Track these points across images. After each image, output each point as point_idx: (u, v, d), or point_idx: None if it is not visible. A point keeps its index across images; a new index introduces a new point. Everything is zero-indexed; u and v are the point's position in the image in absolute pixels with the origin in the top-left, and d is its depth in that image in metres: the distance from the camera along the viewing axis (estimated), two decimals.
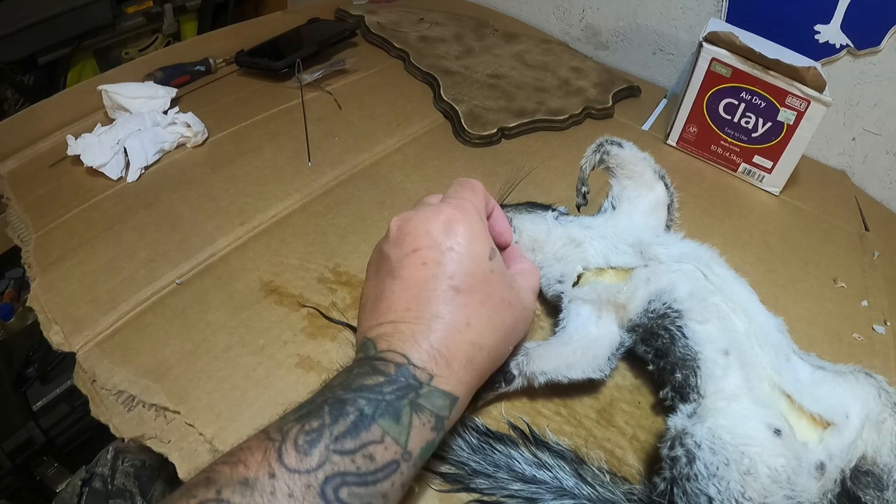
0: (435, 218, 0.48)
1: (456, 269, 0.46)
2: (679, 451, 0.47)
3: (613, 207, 0.66)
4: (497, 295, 0.47)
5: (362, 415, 0.39)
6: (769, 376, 0.52)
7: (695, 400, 0.51)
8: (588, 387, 0.58)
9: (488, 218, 0.55)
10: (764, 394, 0.51)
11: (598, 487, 0.49)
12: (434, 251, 0.46)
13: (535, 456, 0.52)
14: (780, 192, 0.93)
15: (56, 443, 1.27)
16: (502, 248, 0.55)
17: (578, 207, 0.69)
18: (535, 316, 0.64)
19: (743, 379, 0.51)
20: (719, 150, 0.95)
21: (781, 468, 0.45)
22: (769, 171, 0.91)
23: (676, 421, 0.50)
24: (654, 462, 0.53)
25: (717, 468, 0.45)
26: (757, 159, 0.91)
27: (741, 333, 0.54)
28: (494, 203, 0.57)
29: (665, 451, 0.48)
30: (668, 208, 0.66)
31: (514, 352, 0.54)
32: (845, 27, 0.94)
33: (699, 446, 0.46)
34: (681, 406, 0.52)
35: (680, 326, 0.54)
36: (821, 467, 0.47)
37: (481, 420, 0.54)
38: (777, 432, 0.47)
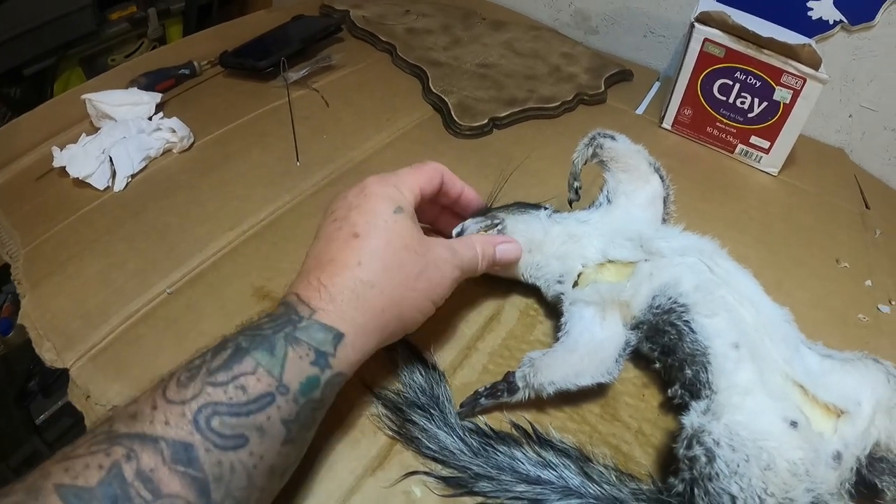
0: (354, 186, 0.52)
1: (357, 220, 0.49)
2: (698, 451, 0.46)
3: (609, 201, 0.65)
4: (398, 241, 0.49)
5: (238, 349, 0.41)
6: (781, 368, 0.51)
7: (707, 396, 0.50)
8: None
9: (453, 199, 0.61)
10: (777, 386, 0.50)
11: (604, 486, 0.48)
12: (344, 210, 0.50)
13: (538, 455, 0.50)
14: (779, 173, 0.92)
15: None
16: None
17: (570, 203, 0.68)
18: (515, 305, 0.65)
19: (755, 372, 0.50)
20: (715, 131, 0.93)
21: (800, 461, 0.45)
22: (766, 151, 0.90)
23: (692, 419, 0.49)
24: (664, 458, 0.53)
25: (738, 465, 0.44)
26: (754, 140, 0.90)
27: (750, 325, 0.52)
28: (460, 185, 0.60)
29: (682, 451, 0.47)
30: (665, 201, 0.65)
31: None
32: (838, 3, 0.93)
33: (718, 444, 0.45)
34: (693, 403, 0.51)
35: (687, 321, 0.53)
36: (838, 457, 0.47)
37: (484, 419, 0.53)
38: (793, 424, 0.46)
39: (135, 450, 0.35)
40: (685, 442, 0.48)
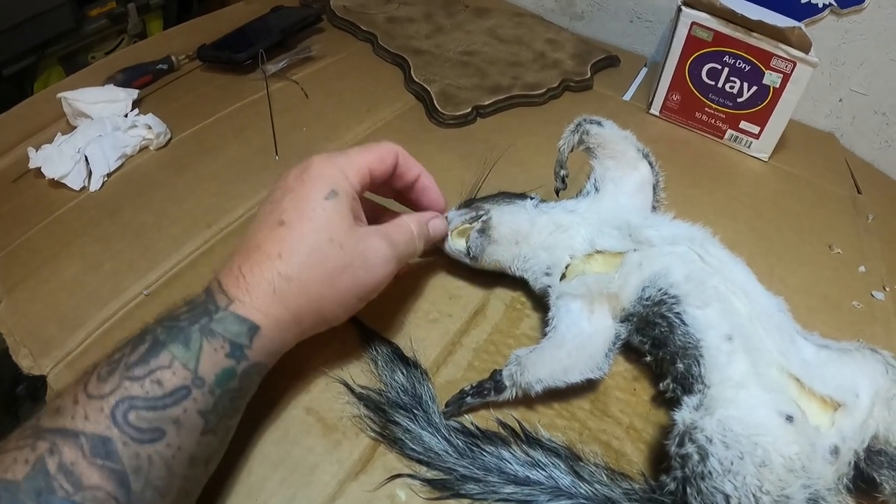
0: (298, 165, 0.50)
1: (287, 205, 0.47)
2: (690, 448, 0.45)
3: (597, 189, 0.63)
4: (323, 234, 0.47)
5: (155, 342, 0.41)
6: (776, 360, 0.49)
7: (699, 390, 0.49)
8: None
9: (409, 183, 0.57)
10: (772, 379, 0.48)
11: (596, 485, 0.47)
12: (280, 192, 0.49)
13: (527, 455, 0.49)
14: (769, 158, 0.90)
15: None
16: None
17: (557, 192, 0.66)
18: (500, 298, 0.64)
19: (749, 364, 0.49)
20: (704, 117, 0.92)
21: (796, 456, 0.43)
22: (756, 136, 0.89)
23: (683, 415, 0.47)
24: (655, 455, 0.51)
25: (732, 463, 0.43)
26: (743, 125, 0.89)
27: (744, 316, 0.51)
28: (420, 169, 0.57)
29: (674, 449, 0.46)
30: (654, 188, 0.64)
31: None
32: None
33: (711, 441, 0.44)
34: (685, 398, 0.49)
35: (678, 313, 0.52)
36: (835, 451, 0.46)
37: (470, 418, 0.52)
38: (789, 419, 0.45)
39: (57, 444, 0.36)
40: (677, 439, 0.46)
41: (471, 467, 0.47)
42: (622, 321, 0.55)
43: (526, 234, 0.60)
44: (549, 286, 0.58)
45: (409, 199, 0.60)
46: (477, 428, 0.51)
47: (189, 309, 0.44)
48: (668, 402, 0.53)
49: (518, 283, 0.63)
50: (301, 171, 0.49)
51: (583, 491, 0.47)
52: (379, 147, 0.54)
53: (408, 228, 0.54)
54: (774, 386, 0.48)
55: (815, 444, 0.45)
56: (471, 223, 0.60)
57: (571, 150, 0.64)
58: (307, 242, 0.46)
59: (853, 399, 0.47)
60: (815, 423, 0.47)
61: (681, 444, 0.46)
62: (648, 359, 0.56)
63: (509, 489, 0.47)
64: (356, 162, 0.51)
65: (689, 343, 0.51)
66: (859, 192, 0.88)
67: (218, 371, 0.42)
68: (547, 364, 0.52)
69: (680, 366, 0.51)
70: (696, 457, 0.44)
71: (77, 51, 1.46)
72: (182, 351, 0.41)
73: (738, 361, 0.49)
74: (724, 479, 0.43)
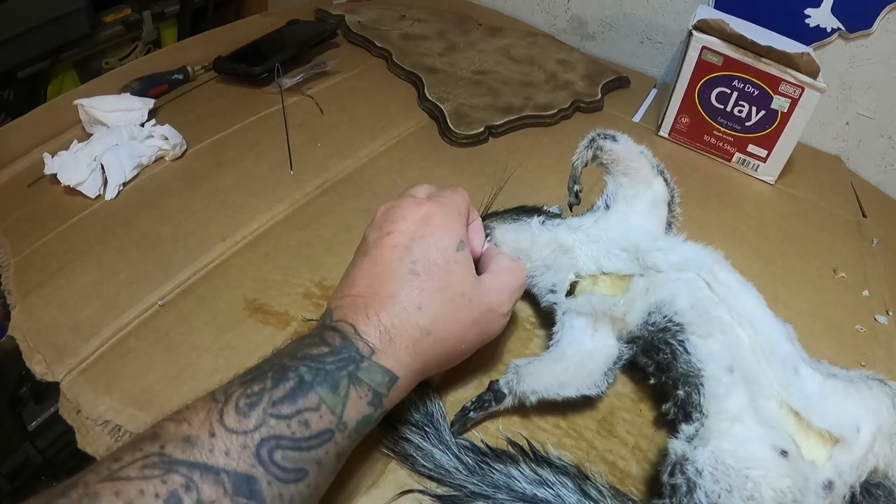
0: (416, 209, 0.50)
1: (420, 255, 0.48)
2: (679, 479, 0.45)
3: (607, 206, 0.63)
4: (456, 287, 0.48)
5: (302, 382, 0.40)
6: (776, 393, 0.49)
7: (697, 419, 0.49)
8: (588, 397, 0.55)
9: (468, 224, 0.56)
10: (770, 413, 0.48)
11: None
12: (405, 236, 0.49)
13: (535, 473, 0.50)
14: (776, 181, 0.91)
15: (54, 462, 1.25)
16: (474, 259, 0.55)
17: (571, 207, 0.66)
18: (511, 319, 0.62)
19: (748, 398, 0.49)
20: (712, 140, 0.93)
21: (787, 489, 0.43)
22: (764, 160, 0.90)
23: (676, 446, 0.48)
24: (656, 478, 0.51)
25: (719, 496, 0.43)
26: (751, 148, 0.90)
27: (746, 348, 0.51)
28: (476, 215, 0.57)
29: (665, 477, 0.47)
30: (669, 205, 0.63)
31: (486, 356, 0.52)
32: (836, 10, 0.93)
33: (700, 474, 0.44)
34: (682, 426, 0.50)
35: (682, 341, 0.52)
36: (829, 486, 0.45)
37: (480, 436, 0.53)
38: (783, 453, 0.45)
39: (194, 480, 0.35)
40: (668, 469, 0.47)
41: (480, 484, 0.48)
42: (628, 342, 0.56)
43: (527, 251, 0.61)
44: (555, 303, 0.59)
45: None
46: (487, 446, 0.51)
47: (331, 353, 0.43)
48: (669, 423, 0.54)
49: (528, 303, 0.64)
50: (425, 218, 0.50)
51: None
52: (462, 192, 0.55)
53: (522, 273, 0.55)
54: (772, 420, 0.48)
55: (808, 479, 0.45)
56: None
57: (585, 166, 0.64)
58: (443, 296, 0.47)
59: (853, 434, 0.47)
60: (811, 458, 0.46)
61: (671, 475, 0.46)
62: (652, 381, 0.56)
63: None
64: (461, 206, 0.53)
65: (691, 371, 0.51)
66: (864, 215, 0.89)
67: (359, 417, 0.42)
68: (544, 376, 0.53)
69: (681, 392, 0.52)
70: (683, 488, 0.45)
71: (91, 56, 1.47)
72: (330, 395, 0.41)
73: (736, 394, 0.49)
74: None
